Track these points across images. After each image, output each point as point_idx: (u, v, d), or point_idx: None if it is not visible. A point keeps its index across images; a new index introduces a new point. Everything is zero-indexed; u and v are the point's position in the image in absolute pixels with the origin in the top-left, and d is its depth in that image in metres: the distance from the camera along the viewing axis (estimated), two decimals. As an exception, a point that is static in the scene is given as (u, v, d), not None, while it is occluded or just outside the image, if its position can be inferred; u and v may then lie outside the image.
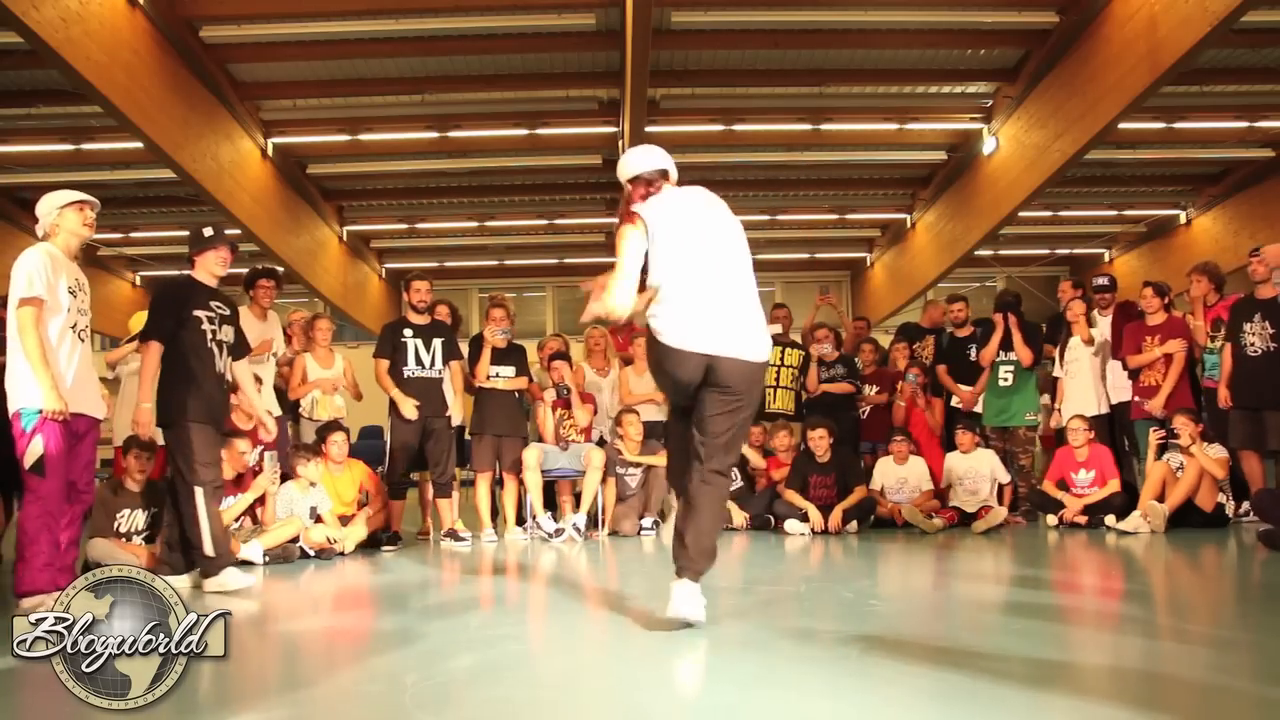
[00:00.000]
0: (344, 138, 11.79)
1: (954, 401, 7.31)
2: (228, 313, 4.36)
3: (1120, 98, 8.85)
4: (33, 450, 3.55)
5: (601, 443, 6.67)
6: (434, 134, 11.69)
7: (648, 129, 10.50)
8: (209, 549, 4.06)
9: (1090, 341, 6.76)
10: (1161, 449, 6.09)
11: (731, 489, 4.60)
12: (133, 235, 14.94)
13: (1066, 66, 9.73)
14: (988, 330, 7.09)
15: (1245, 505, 5.94)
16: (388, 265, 17.30)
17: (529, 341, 7.12)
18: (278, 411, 5.80)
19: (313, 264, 13.75)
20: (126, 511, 4.77)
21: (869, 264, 17.22)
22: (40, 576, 3.52)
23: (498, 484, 6.61)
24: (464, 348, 6.54)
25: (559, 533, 6.08)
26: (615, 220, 13.21)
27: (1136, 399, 6.47)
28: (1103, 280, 7.23)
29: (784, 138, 12.15)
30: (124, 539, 4.72)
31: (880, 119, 11.72)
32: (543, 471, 6.35)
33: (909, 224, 15.06)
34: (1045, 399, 7.28)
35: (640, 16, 8.41)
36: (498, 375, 6.39)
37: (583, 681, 2.54)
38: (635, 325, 6.50)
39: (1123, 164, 12.99)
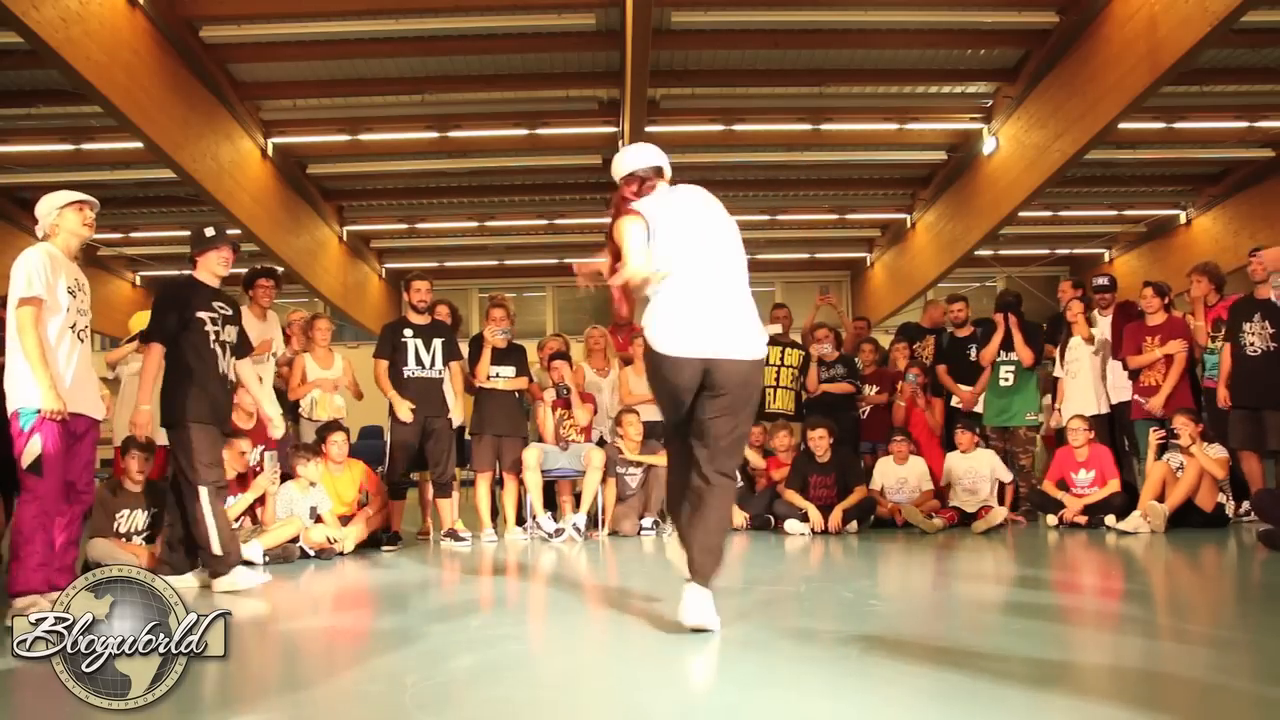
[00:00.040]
0: (344, 138, 11.78)
1: (954, 401, 7.31)
2: (230, 313, 4.36)
3: (1120, 98, 8.85)
4: (30, 450, 3.54)
5: (601, 443, 6.67)
6: (434, 134, 11.68)
7: (648, 129, 10.48)
8: (217, 548, 4.06)
9: (1090, 340, 6.76)
10: (1161, 449, 6.09)
11: (732, 489, 4.57)
12: (133, 235, 14.94)
13: (1066, 66, 9.72)
14: (988, 330, 7.09)
15: (1245, 505, 5.94)
16: (388, 265, 17.29)
17: (529, 341, 7.12)
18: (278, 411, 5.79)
19: (313, 264, 13.74)
20: (126, 512, 4.77)
21: (869, 264, 17.22)
22: (34, 577, 3.51)
23: (498, 484, 6.60)
24: (464, 348, 6.54)
25: (559, 533, 6.09)
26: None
27: (1137, 399, 6.47)
28: (1103, 280, 7.23)
29: (784, 138, 12.14)
30: (124, 539, 4.73)
31: (880, 119, 11.71)
32: (543, 471, 6.35)
33: (909, 224, 15.05)
34: (1046, 399, 7.29)
35: (640, 16, 8.41)
36: (498, 375, 6.39)
37: (583, 682, 2.54)
38: (635, 325, 6.49)
39: (1123, 164, 12.98)
